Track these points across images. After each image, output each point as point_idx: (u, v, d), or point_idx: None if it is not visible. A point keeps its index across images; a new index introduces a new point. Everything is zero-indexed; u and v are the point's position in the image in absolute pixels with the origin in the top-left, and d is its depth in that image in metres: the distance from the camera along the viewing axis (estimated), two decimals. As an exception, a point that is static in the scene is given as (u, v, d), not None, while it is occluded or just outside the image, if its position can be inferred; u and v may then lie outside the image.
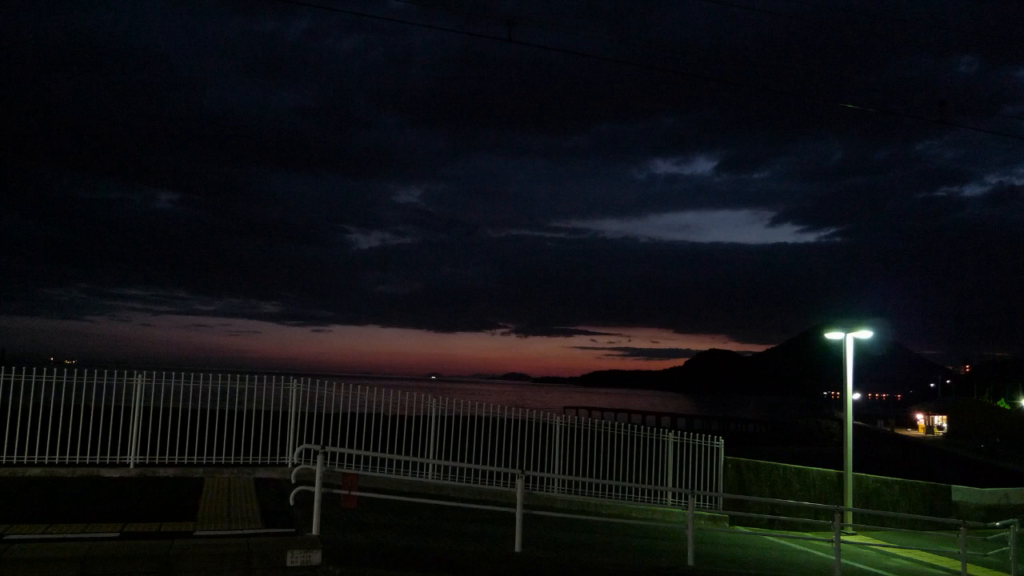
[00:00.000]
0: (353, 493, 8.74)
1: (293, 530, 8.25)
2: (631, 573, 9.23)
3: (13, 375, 11.31)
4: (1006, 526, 13.33)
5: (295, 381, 13.00)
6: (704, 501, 15.85)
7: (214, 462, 12.18)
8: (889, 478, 20.43)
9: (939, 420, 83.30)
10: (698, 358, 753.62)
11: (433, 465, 13.34)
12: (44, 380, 11.52)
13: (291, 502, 9.29)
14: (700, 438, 16.02)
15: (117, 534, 7.62)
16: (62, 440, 11.34)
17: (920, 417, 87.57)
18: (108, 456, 11.59)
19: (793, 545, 14.47)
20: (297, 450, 10.16)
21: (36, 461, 11.21)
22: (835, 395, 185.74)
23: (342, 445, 12.28)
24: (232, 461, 12.33)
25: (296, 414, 12.88)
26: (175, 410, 11.99)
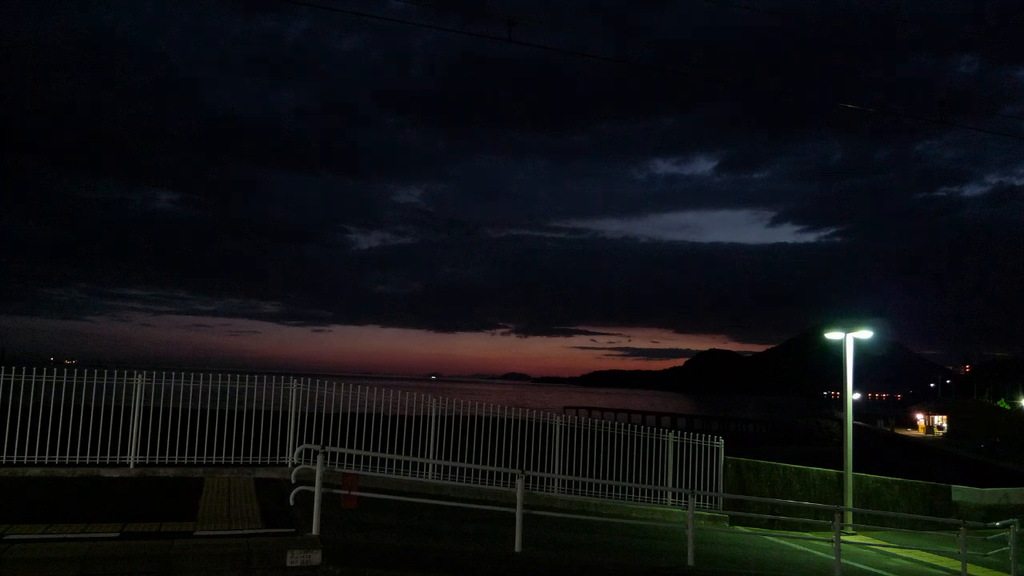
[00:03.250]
0: (353, 493, 8.74)
1: (293, 530, 8.25)
2: (631, 573, 9.23)
3: (13, 375, 11.31)
4: (1006, 526, 13.33)
5: (295, 381, 13.00)
6: (704, 501, 15.84)
7: (214, 462, 12.18)
8: (889, 478, 20.42)
9: (939, 420, 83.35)
10: (698, 358, 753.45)
11: (433, 465, 13.34)
12: (44, 380, 11.52)
13: (291, 502, 9.29)
14: (700, 438, 16.01)
15: (117, 534, 7.62)
16: (62, 440, 11.34)
17: (920, 417, 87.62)
18: (108, 456, 11.59)
19: (793, 545, 14.47)
20: (297, 450, 10.17)
21: (36, 461, 11.21)
22: (835, 395, 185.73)
23: (342, 445, 12.28)
24: (232, 461, 12.33)
25: (296, 414, 12.88)
26: (175, 410, 11.98)
